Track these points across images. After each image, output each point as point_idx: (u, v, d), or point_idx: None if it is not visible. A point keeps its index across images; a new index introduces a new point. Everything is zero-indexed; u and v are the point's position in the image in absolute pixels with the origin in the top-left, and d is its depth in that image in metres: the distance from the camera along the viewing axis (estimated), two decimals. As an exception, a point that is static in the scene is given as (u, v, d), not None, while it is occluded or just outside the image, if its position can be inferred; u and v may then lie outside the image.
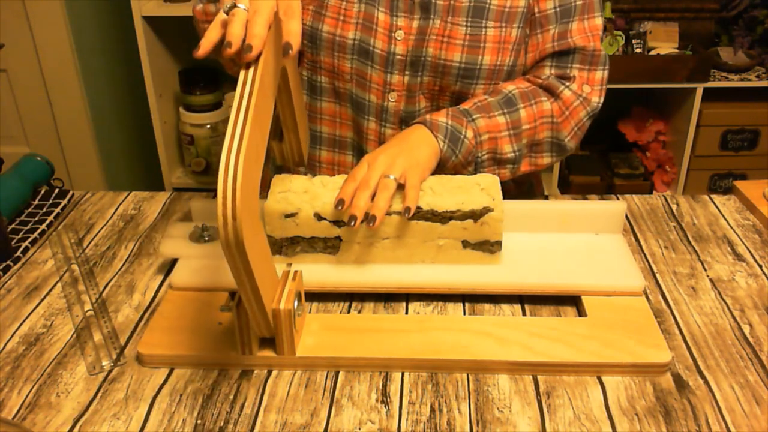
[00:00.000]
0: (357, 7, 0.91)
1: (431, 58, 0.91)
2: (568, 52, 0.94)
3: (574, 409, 0.67)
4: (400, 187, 0.81)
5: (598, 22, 0.95)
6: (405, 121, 0.96)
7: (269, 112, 0.70)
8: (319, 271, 0.81)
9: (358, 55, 0.93)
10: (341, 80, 0.95)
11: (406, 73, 0.93)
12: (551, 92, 0.94)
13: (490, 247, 0.81)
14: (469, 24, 0.90)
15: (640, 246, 0.92)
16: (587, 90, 0.95)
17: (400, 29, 0.91)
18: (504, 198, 0.81)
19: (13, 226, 0.96)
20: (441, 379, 0.71)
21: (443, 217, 0.79)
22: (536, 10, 0.94)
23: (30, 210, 1.01)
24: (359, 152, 1.00)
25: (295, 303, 0.70)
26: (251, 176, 0.63)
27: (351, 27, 0.91)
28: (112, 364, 0.73)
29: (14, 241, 0.93)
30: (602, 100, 0.96)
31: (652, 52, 2.13)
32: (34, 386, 0.71)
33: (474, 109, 0.91)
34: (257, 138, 0.65)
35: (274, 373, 0.72)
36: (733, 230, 0.96)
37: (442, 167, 0.88)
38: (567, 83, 0.94)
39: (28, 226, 0.96)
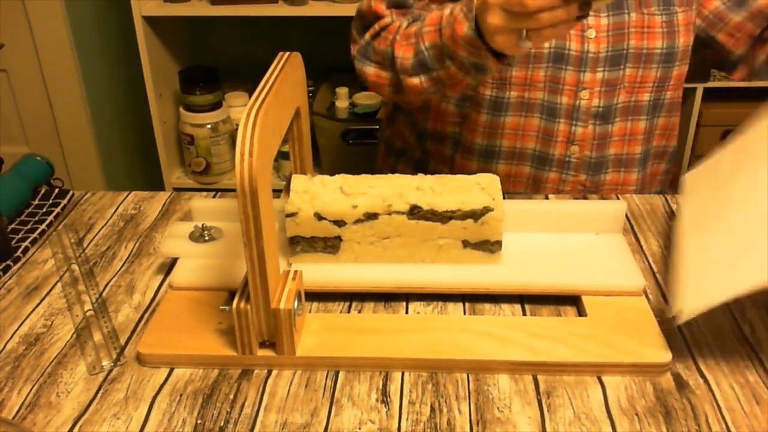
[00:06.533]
0: None
1: (633, 50, 0.99)
2: None
3: (574, 408, 0.67)
4: None
5: None
6: (599, 116, 1.02)
7: (286, 116, 0.75)
8: (319, 271, 0.81)
9: (553, 62, 0.99)
10: (532, 90, 1.00)
11: (600, 69, 0.99)
12: None
13: (490, 246, 0.81)
14: (662, 12, 0.99)
15: (640, 246, 0.92)
16: None
17: (591, 28, 0.98)
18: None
19: (13, 226, 0.96)
20: (441, 379, 0.71)
21: (443, 217, 0.79)
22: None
23: (30, 210, 1.01)
24: (538, 161, 1.05)
25: (295, 303, 0.70)
26: (268, 135, 0.65)
27: None
28: (112, 364, 0.73)
29: (14, 241, 0.93)
30: None
31: (652, 52, 2.12)
32: (34, 386, 0.71)
33: None
34: (276, 113, 0.69)
35: (274, 373, 0.72)
36: (733, 230, 0.96)
37: None
38: None
39: (28, 226, 0.96)
